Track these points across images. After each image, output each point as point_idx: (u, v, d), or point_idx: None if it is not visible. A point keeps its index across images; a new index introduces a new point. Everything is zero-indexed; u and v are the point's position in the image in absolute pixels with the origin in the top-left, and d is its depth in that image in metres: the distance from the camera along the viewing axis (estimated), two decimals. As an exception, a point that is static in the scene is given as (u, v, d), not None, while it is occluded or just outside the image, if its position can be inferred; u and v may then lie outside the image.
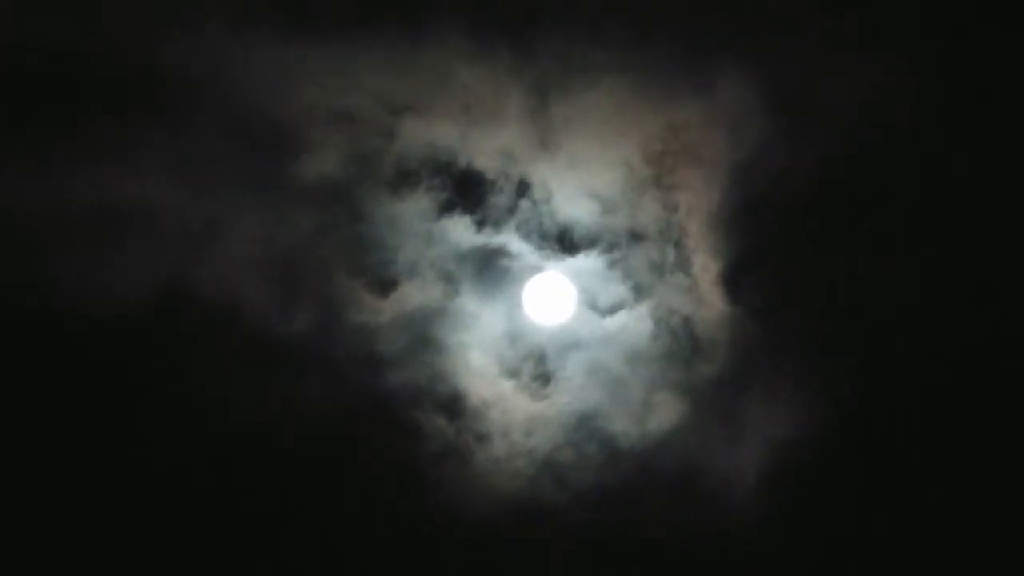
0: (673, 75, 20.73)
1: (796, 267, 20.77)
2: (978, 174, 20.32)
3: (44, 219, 19.43)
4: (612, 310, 20.89)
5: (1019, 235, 20.22)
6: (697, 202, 21.04)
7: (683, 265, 20.95)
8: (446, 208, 20.71)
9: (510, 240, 20.86)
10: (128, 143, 19.79)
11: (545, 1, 20.59)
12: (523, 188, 20.80)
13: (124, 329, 19.51)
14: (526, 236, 20.85)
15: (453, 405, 20.42)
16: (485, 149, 20.75)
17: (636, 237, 20.93)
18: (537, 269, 20.82)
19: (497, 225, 20.80)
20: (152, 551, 19.52)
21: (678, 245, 21.00)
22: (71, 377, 19.65)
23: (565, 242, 20.85)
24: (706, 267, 20.97)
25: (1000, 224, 20.30)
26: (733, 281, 20.88)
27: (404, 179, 20.61)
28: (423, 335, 20.48)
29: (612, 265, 20.88)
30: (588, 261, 20.87)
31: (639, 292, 20.85)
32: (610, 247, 20.93)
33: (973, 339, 20.19)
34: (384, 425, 20.16)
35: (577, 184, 20.86)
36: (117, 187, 19.65)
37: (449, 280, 20.68)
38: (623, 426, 20.44)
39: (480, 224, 20.74)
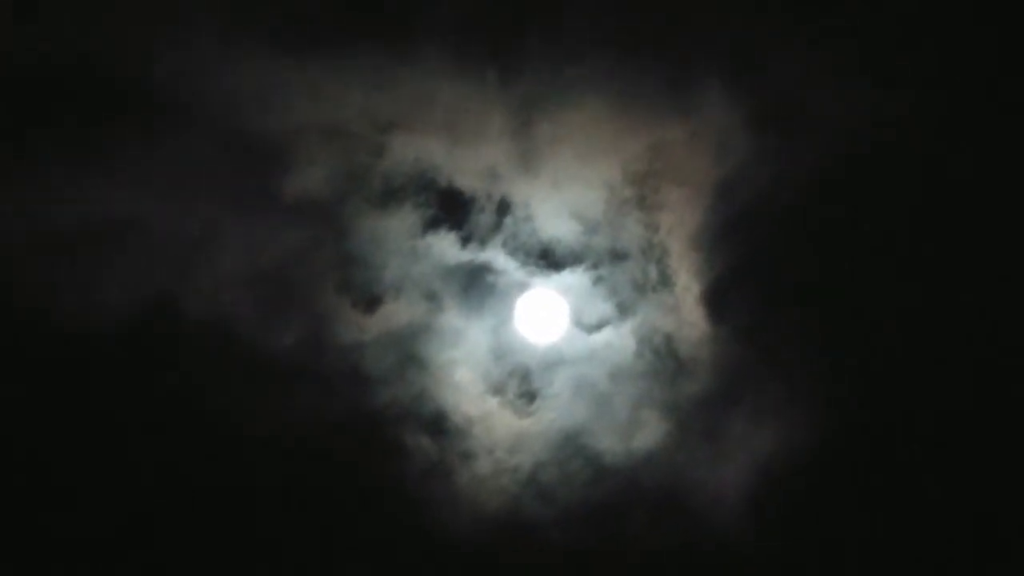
0: (655, 95, 20.82)
1: (779, 286, 20.83)
2: (964, 193, 20.41)
3: (33, 234, 19.35)
4: (597, 327, 20.94)
5: (1008, 254, 20.35)
6: (679, 221, 21.13)
7: (666, 284, 21.03)
8: (431, 225, 20.76)
9: (495, 256, 20.90)
10: (117, 158, 19.73)
11: (529, 21, 20.67)
12: (505, 207, 20.84)
13: (112, 343, 19.45)
14: (512, 252, 20.90)
15: (438, 422, 20.41)
16: (469, 168, 20.80)
17: (619, 256, 21.02)
18: (523, 286, 20.89)
19: (482, 242, 20.84)
20: (138, 565, 19.34)
21: (660, 264, 21.08)
22: (62, 390, 19.56)
23: (549, 259, 20.91)
24: (688, 286, 21.05)
25: (986, 248, 20.43)
26: (716, 300, 20.93)
27: (390, 196, 20.63)
28: (408, 352, 20.49)
29: (597, 282, 20.95)
30: (573, 278, 20.92)
31: (623, 310, 20.93)
32: (594, 265, 21.00)
33: (963, 360, 20.28)
34: (369, 442, 20.13)
35: (560, 203, 20.94)
36: (106, 202, 19.57)
37: (434, 297, 20.68)
38: (608, 443, 20.46)
39: (465, 241, 20.78)
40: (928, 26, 20.29)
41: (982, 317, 20.27)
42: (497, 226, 20.86)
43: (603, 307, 20.98)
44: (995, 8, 20.17)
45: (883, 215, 20.67)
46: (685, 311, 20.97)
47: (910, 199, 20.61)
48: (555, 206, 20.97)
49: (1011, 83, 20.23)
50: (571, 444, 20.51)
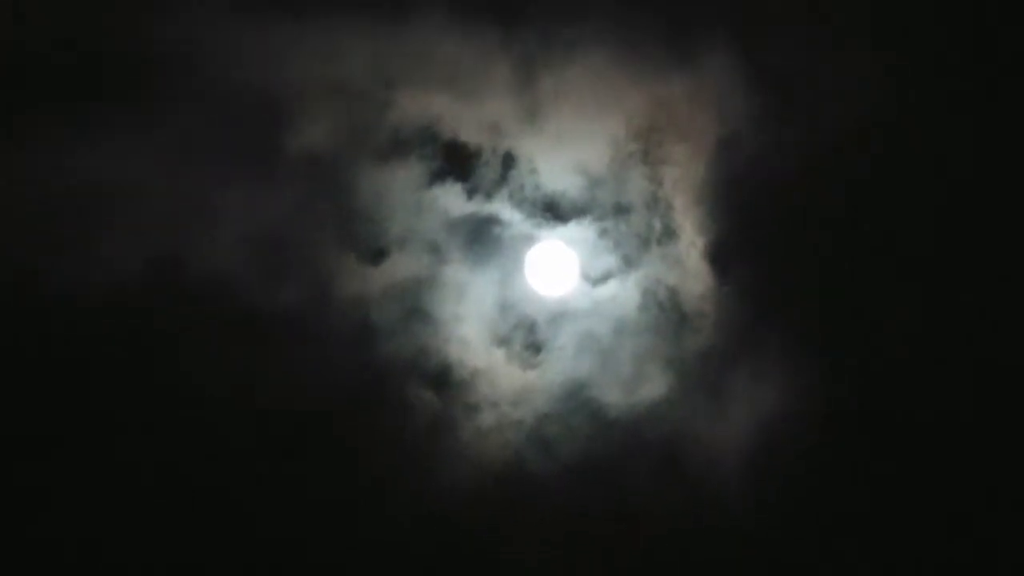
0: (659, 49, 20.84)
1: (783, 242, 20.89)
2: (968, 154, 20.52)
3: (32, 201, 19.31)
4: (603, 279, 20.97)
5: (1009, 219, 20.40)
6: (683, 176, 21.15)
7: (670, 238, 21.06)
8: (436, 178, 20.73)
9: (501, 209, 20.89)
10: (115, 122, 19.69)
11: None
12: (510, 160, 20.82)
13: (116, 308, 19.42)
14: (517, 205, 20.89)
15: (444, 375, 20.42)
16: (473, 122, 20.77)
17: (623, 210, 21.02)
18: (529, 238, 20.88)
19: (488, 194, 20.82)
20: (142, 525, 19.42)
21: (665, 218, 21.11)
22: (63, 358, 19.52)
23: (555, 212, 20.89)
24: (693, 241, 21.09)
25: (990, 206, 20.51)
26: (720, 255, 21.00)
27: (394, 150, 20.60)
28: (414, 305, 20.48)
29: (602, 235, 20.96)
30: (579, 231, 20.93)
31: (628, 264, 20.96)
32: (599, 218, 21.00)
33: (965, 315, 20.40)
34: (375, 396, 20.15)
35: (564, 157, 20.92)
36: (105, 166, 19.53)
37: (439, 249, 20.67)
38: (612, 397, 20.52)
39: (471, 193, 20.76)
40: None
41: (983, 276, 20.35)
42: (502, 179, 20.85)
43: (608, 260, 21.01)
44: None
45: (889, 176, 20.73)
46: (689, 265, 21.02)
47: (910, 165, 20.67)
48: (559, 160, 20.95)
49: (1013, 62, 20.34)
50: (576, 397, 20.56)
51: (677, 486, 20.45)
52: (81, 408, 19.61)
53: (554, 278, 20.87)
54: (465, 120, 20.74)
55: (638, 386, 20.55)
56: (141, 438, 19.62)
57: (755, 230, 20.93)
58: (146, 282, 19.55)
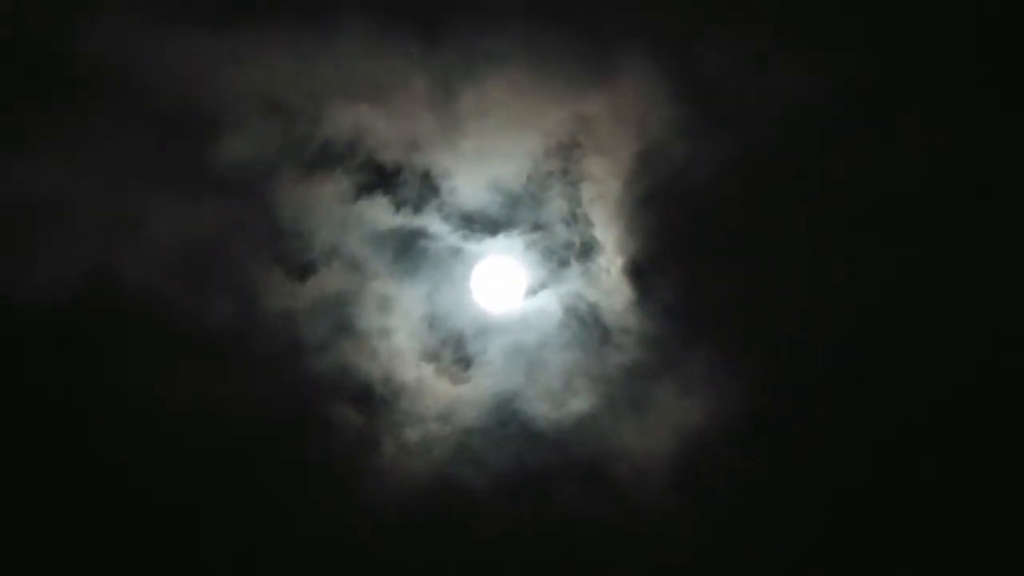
0: (578, 67, 21.00)
1: (702, 257, 21.11)
2: (885, 164, 20.85)
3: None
4: (530, 294, 21.08)
5: (930, 232, 20.89)
6: (602, 193, 21.30)
7: (591, 254, 21.24)
8: (362, 193, 20.65)
9: (428, 222, 20.87)
10: (44, 135, 19.46)
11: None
12: (435, 176, 20.82)
13: (45, 322, 19.18)
14: (444, 218, 20.88)
15: (373, 390, 20.31)
16: (396, 137, 20.75)
17: (543, 226, 21.15)
18: (456, 251, 20.90)
19: (415, 208, 20.80)
20: (68, 539, 18.97)
21: (585, 235, 21.28)
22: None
23: (481, 226, 20.93)
24: (613, 258, 21.29)
25: (905, 207, 20.85)
26: (640, 271, 21.13)
27: (319, 164, 20.50)
28: (341, 320, 20.32)
29: (530, 247, 21.08)
30: (507, 243, 21.02)
31: (552, 279, 21.08)
32: (525, 231, 21.09)
33: (881, 323, 20.75)
34: (304, 412, 19.97)
35: (486, 173, 20.96)
36: (33, 181, 19.29)
37: (367, 263, 20.56)
38: (539, 410, 20.54)
39: (398, 208, 20.72)
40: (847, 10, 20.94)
41: (904, 283, 20.77)
42: (427, 193, 20.83)
43: (534, 274, 21.11)
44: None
45: (801, 189, 21.00)
46: (610, 281, 21.19)
47: (827, 173, 21.00)
48: (481, 176, 20.99)
49: (924, 64, 20.97)
50: (504, 411, 20.55)
51: (601, 500, 20.46)
52: (9, 418, 19.30)
53: (482, 292, 20.89)
54: (389, 135, 20.72)
55: (564, 400, 20.59)
56: (63, 445, 19.28)
57: (675, 245, 21.13)
58: (73, 295, 19.24)
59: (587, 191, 21.31)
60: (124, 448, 19.44)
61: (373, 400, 20.29)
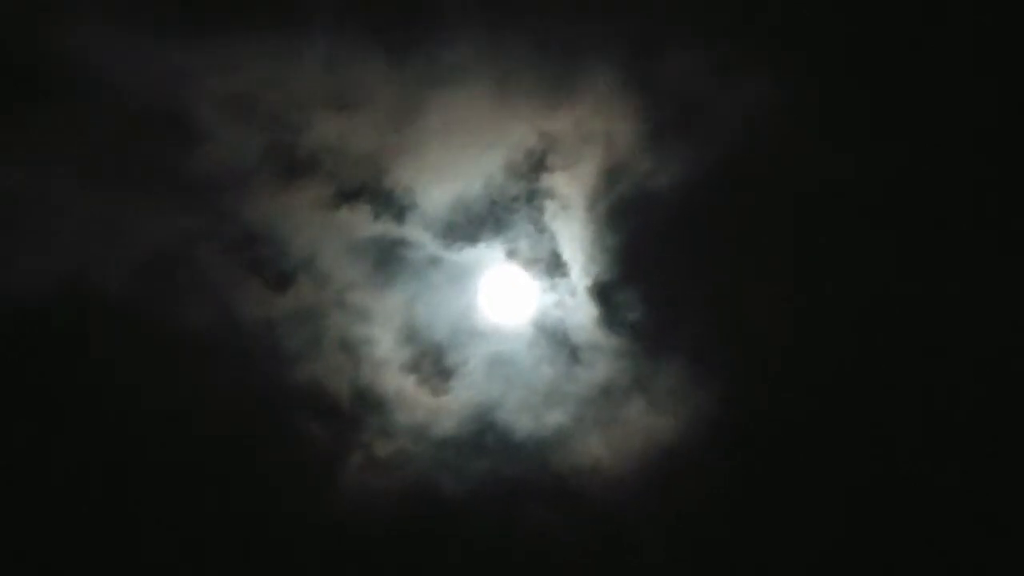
0: (544, 84, 20.96)
1: (670, 275, 21.19)
2: (854, 175, 20.94)
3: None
4: (507, 306, 21.22)
5: (894, 230, 21.02)
6: (567, 208, 21.35)
7: (559, 271, 21.38)
8: (339, 201, 20.54)
9: (408, 232, 20.83)
10: (17, 141, 19.10)
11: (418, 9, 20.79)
12: (408, 185, 20.71)
13: (22, 325, 18.86)
14: (421, 228, 20.85)
15: (354, 399, 20.20)
16: (360, 150, 20.68)
17: (513, 238, 21.25)
18: (435, 261, 20.91)
19: (396, 218, 20.74)
20: (41, 545, 18.66)
21: (553, 251, 21.41)
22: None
23: (454, 237, 20.96)
24: (579, 278, 21.38)
25: (876, 218, 20.99)
26: (606, 287, 21.22)
27: (296, 174, 20.33)
28: (321, 329, 20.22)
29: (511, 256, 21.18)
30: (485, 255, 21.07)
31: (522, 294, 21.20)
32: (504, 241, 21.18)
33: (851, 335, 20.94)
34: (282, 421, 19.76)
35: (453, 186, 20.91)
36: (7, 183, 18.91)
37: (347, 272, 20.47)
38: (515, 424, 20.59)
39: (376, 217, 20.66)
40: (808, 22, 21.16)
41: (876, 296, 20.93)
42: (406, 204, 20.80)
43: (507, 287, 21.20)
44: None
45: (767, 206, 21.08)
46: (577, 300, 21.32)
47: (792, 189, 21.02)
48: (449, 189, 20.94)
49: (885, 73, 21.30)
50: (482, 422, 20.59)
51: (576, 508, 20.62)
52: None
53: (464, 303, 20.92)
54: (355, 146, 20.66)
55: (537, 415, 20.71)
56: (34, 451, 19.00)
57: (642, 259, 21.24)
58: (44, 301, 18.90)
59: (553, 207, 21.38)
60: (93, 453, 19.18)
61: (348, 410, 20.18)
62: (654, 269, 21.24)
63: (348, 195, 20.58)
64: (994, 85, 20.78)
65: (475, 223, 20.97)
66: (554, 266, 21.31)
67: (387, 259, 20.69)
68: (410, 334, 20.70)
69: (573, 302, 21.25)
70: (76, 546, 18.87)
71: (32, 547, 18.71)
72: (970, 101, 20.78)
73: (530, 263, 21.23)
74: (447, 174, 20.87)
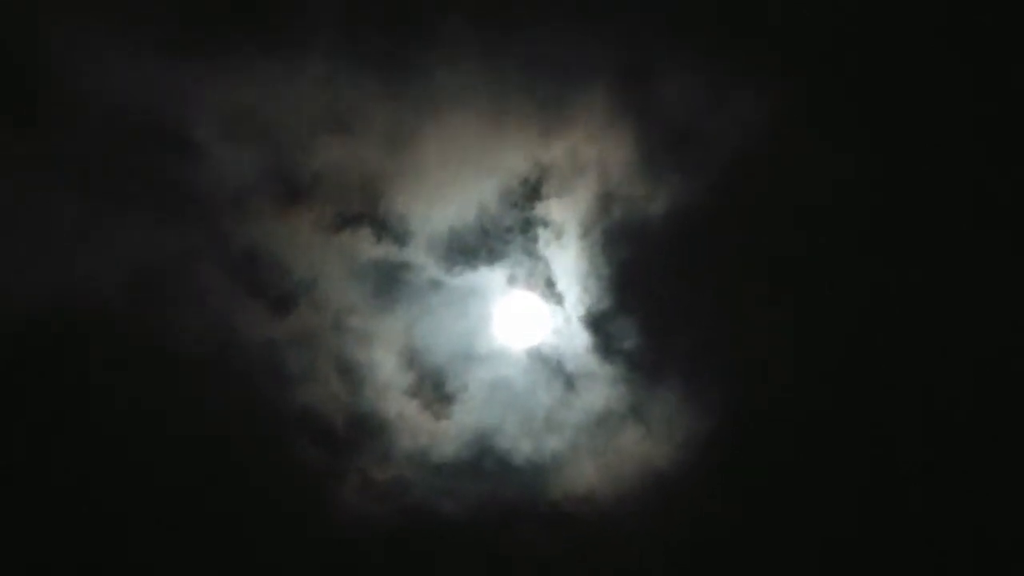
0: (539, 111, 21.11)
1: (665, 302, 21.23)
2: (847, 200, 20.98)
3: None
4: (508, 331, 21.37)
5: (888, 254, 21.02)
6: (564, 236, 21.46)
7: (554, 299, 21.43)
8: (341, 225, 20.67)
9: (411, 255, 20.96)
10: (16, 154, 19.20)
11: (415, 34, 20.97)
12: (409, 209, 20.87)
13: (18, 342, 18.94)
14: (427, 252, 20.97)
15: (355, 423, 20.30)
16: (356, 175, 20.82)
17: (510, 265, 21.34)
18: (435, 285, 21.04)
19: (397, 241, 20.88)
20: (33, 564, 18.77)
21: (548, 279, 21.46)
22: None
23: (455, 261, 21.07)
24: (574, 306, 21.43)
25: (869, 243, 21.03)
26: (603, 317, 21.29)
27: (300, 194, 20.49)
28: (324, 352, 20.38)
29: (510, 281, 21.29)
30: (487, 277, 21.23)
31: (518, 318, 21.30)
32: (505, 266, 21.29)
33: (844, 361, 20.93)
34: (282, 444, 19.76)
35: (447, 213, 21.04)
36: (8, 198, 19.12)
37: (349, 295, 20.60)
38: (513, 448, 20.61)
39: (378, 240, 20.77)
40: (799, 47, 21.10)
41: (869, 320, 20.97)
42: (403, 229, 20.91)
43: (512, 313, 21.33)
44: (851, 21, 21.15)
45: (760, 231, 21.10)
46: (572, 326, 21.37)
47: (786, 215, 21.04)
48: (446, 214, 21.01)
49: (879, 95, 21.23)
50: (481, 446, 20.61)
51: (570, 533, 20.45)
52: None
53: (465, 326, 21.04)
54: (352, 170, 20.86)
55: (535, 439, 20.68)
56: (31, 468, 19.03)
57: (637, 286, 21.25)
58: (44, 318, 18.93)
59: (546, 235, 21.45)
60: (87, 473, 19.18)
61: (350, 433, 20.26)
62: (649, 296, 21.30)
63: (348, 218, 20.66)
64: (993, 110, 20.80)
65: (473, 249, 21.04)
66: (549, 294, 21.41)
67: (388, 282, 20.85)
68: (411, 358, 20.74)
69: (569, 330, 21.31)
70: (66, 565, 18.91)
71: (25, 566, 18.77)
72: (967, 126, 20.84)
73: (527, 289, 21.31)
74: (444, 200, 20.99)
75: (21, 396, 19.09)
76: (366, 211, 20.75)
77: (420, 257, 20.92)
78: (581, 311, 21.30)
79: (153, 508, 19.28)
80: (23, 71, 19.17)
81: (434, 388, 20.75)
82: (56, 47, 19.30)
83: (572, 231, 21.34)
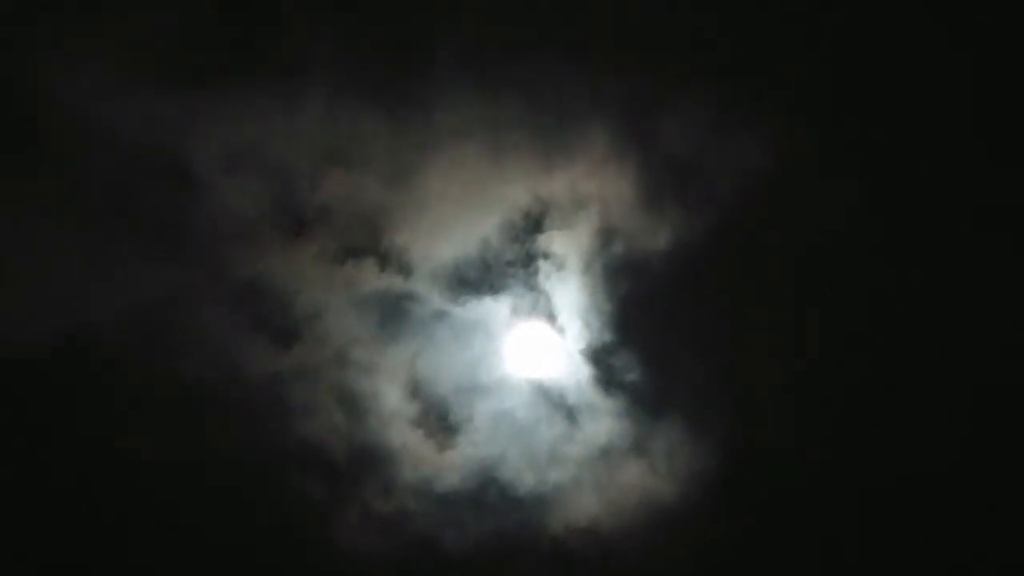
0: (540, 145, 21.12)
1: (666, 336, 21.21)
2: (847, 232, 20.92)
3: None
4: (510, 361, 21.43)
5: (890, 288, 20.94)
6: (565, 270, 21.44)
7: (556, 331, 21.43)
8: (344, 256, 20.80)
9: (414, 287, 21.02)
10: (24, 189, 19.34)
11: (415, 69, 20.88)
12: (411, 241, 20.90)
13: (21, 378, 19.03)
14: (431, 283, 21.03)
15: (361, 454, 20.40)
16: (366, 206, 20.90)
17: (513, 297, 21.39)
18: (439, 316, 21.13)
19: (401, 272, 20.94)
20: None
21: (549, 313, 21.47)
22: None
23: (460, 292, 21.15)
24: (575, 340, 21.42)
25: (871, 276, 21.00)
26: (604, 350, 21.28)
27: (299, 229, 20.59)
28: (328, 384, 20.54)
29: (514, 313, 21.32)
30: (490, 309, 21.27)
31: (519, 352, 21.38)
32: (504, 299, 21.37)
33: (848, 394, 20.92)
34: (286, 477, 19.89)
35: (450, 246, 21.08)
36: (12, 234, 19.26)
37: (353, 327, 20.72)
38: (516, 480, 20.72)
39: (381, 270, 20.86)
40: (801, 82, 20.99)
41: (872, 352, 20.98)
42: (406, 261, 21.00)
43: (515, 345, 21.38)
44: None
45: (762, 265, 21.02)
46: (573, 360, 21.37)
47: (788, 249, 20.99)
48: (448, 248, 21.05)
49: (880, 127, 21.11)
50: (484, 478, 20.66)
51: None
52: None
53: (469, 357, 21.12)
54: (365, 203, 20.96)
55: (539, 472, 20.84)
56: (34, 503, 19.25)
57: (638, 320, 21.24)
58: (46, 353, 19.04)
59: (547, 268, 21.45)
60: (90, 508, 19.30)
61: (354, 465, 20.37)
62: (650, 330, 21.29)
63: (351, 251, 20.78)
64: (993, 111, 20.75)
65: (476, 282, 21.14)
66: (551, 326, 21.45)
67: (392, 314, 20.98)
68: (416, 389, 20.83)
69: (571, 363, 21.35)
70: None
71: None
72: (968, 147, 20.80)
73: (529, 321, 21.36)
74: (446, 233, 21.04)
75: (22, 429, 19.27)
76: (369, 244, 20.84)
77: (423, 289, 20.95)
78: (582, 344, 21.31)
79: (154, 541, 19.39)
80: (24, 107, 19.29)
81: (438, 419, 20.84)
82: (58, 84, 19.38)
83: (573, 265, 21.36)
